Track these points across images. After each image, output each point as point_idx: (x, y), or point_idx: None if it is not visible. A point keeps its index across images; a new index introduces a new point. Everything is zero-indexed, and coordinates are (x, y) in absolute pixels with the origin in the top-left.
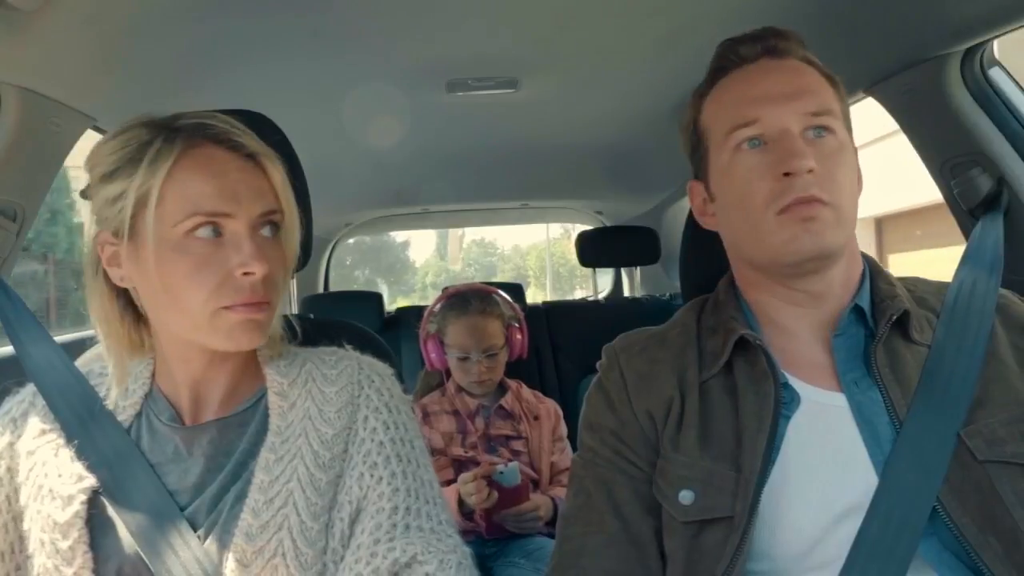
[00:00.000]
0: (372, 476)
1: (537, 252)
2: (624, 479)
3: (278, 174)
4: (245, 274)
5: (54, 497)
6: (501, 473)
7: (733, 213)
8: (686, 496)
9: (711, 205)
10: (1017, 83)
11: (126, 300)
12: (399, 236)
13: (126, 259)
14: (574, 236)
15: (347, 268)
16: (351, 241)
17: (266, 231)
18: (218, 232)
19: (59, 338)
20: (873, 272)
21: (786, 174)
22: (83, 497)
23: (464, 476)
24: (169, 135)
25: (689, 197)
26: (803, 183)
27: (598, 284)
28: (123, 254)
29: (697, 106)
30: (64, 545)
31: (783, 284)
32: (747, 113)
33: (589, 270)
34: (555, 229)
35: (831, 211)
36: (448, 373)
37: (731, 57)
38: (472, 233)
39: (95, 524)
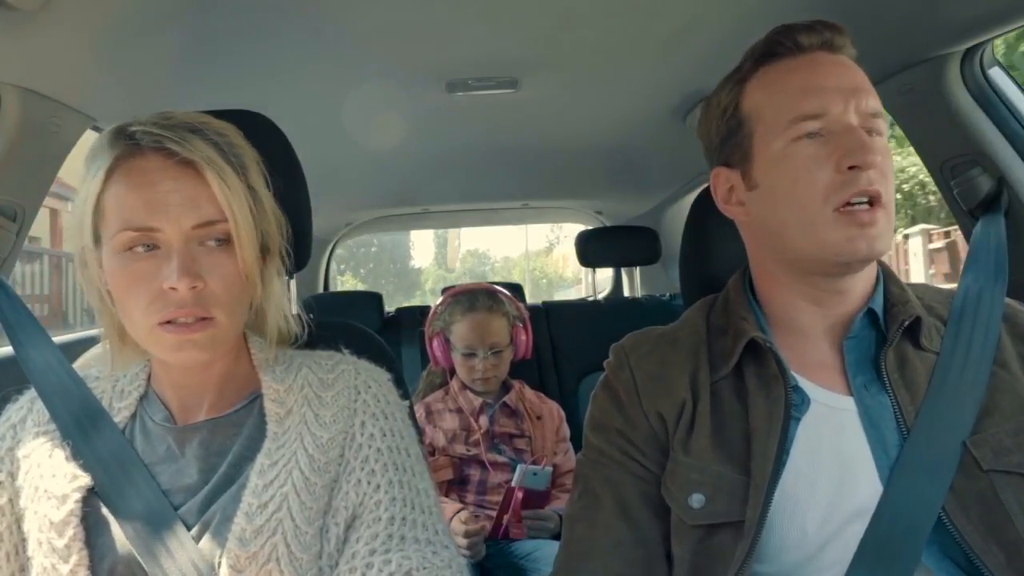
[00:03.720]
0: (370, 483)
1: (521, 265)
2: (632, 480)
3: (218, 181)
4: (172, 288)
5: (49, 497)
6: (535, 474)
7: (782, 203)
8: (696, 499)
9: (743, 194)
10: (1017, 83)
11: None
12: (415, 263)
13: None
14: (555, 251)
15: (380, 285)
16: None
17: (212, 242)
18: (154, 245)
19: (59, 339)
20: (886, 276)
21: (851, 167)
22: (77, 496)
23: (467, 516)
24: (113, 142)
25: (712, 184)
26: (867, 177)
27: (588, 290)
28: (98, 258)
29: (738, 90)
30: (60, 543)
31: (810, 282)
32: (812, 105)
33: (565, 281)
34: (539, 242)
35: (884, 214)
36: (452, 371)
37: (786, 43)
38: (467, 243)
39: (90, 523)
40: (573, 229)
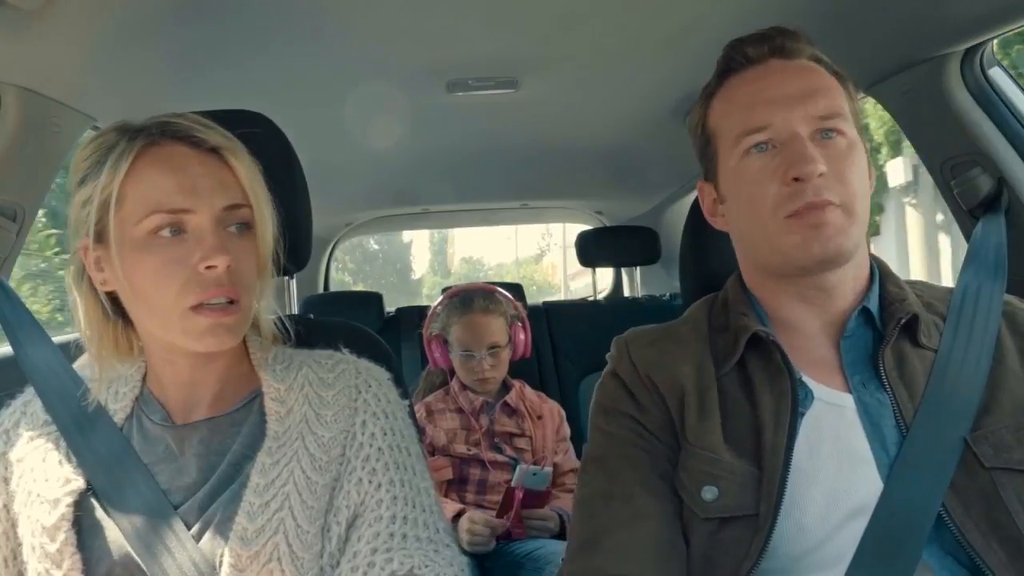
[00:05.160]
0: (371, 482)
1: (513, 272)
2: (647, 457)
3: (243, 167)
4: (208, 268)
5: (42, 501)
6: (534, 475)
7: (743, 216)
8: (709, 492)
9: (721, 206)
10: (1017, 83)
11: (115, 305)
12: (415, 273)
13: (104, 263)
14: (544, 259)
15: (382, 286)
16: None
17: (234, 227)
18: (181, 229)
19: (58, 339)
20: (882, 275)
21: (796, 179)
22: (69, 500)
23: (476, 518)
24: (132, 135)
25: (699, 197)
26: (814, 187)
27: (574, 292)
28: (100, 258)
29: (705, 106)
30: (52, 548)
31: (794, 281)
32: (756, 118)
33: (555, 288)
34: (530, 249)
35: (841, 213)
36: (452, 372)
37: (737, 58)
38: (462, 250)
39: (84, 526)
40: (563, 238)
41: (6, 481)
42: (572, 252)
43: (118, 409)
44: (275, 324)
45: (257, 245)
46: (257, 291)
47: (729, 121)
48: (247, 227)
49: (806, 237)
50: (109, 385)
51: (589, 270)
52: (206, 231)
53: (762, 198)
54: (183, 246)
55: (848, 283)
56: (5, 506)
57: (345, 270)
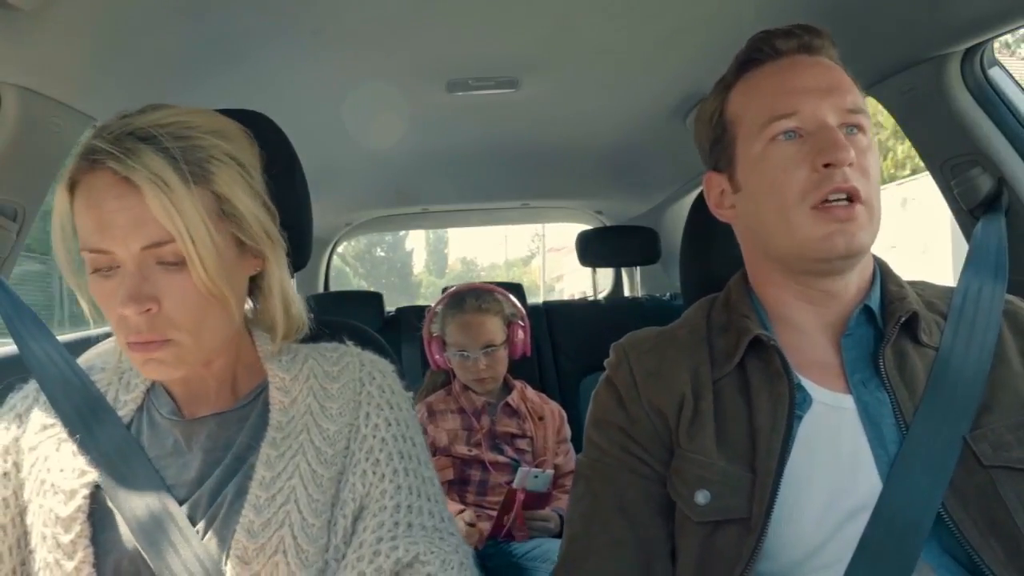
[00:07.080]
0: (375, 473)
1: (502, 274)
2: (633, 478)
3: (160, 199)
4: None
5: (56, 492)
6: (536, 477)
7: (763, 204)
8: (702, 496)
9: (731, 197)
10: (1017, 83)
11: None
12: (414, 275)
13: None
14: (532, 263)
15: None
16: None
17: (167, 261)
18: (114, 264)
19: (62, 337)
20: (883, 273)
21: (826, 165)
22: (86, 491)
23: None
24: (76, 156)
25: (705, 189)
26: (842, 174)
27: (557, 294)
28: None
29: (723, 96)
30: (66, 539)
31: (800, 280)
32: (786, 104)
33: (539, 288)
34: (521, 251)
35: (865, 209)
36: (454, 372)
37: (765, 49)
38: (456, 251)
39: (96, 519)
40: (552, 241)
41: (17, 467)
42: (552, 256)
43: (129, 400)
44: (301, 314)
45: (195, 279)
46: (215, 319)
47: (753, 108)
48: (182, 262)
49: (831, 231)
50: (121, 375)
51: (570, 273)
52: (125, 274)
53: (788, 185)
54: (115, 282)
55: (853, 284)
56: (15, 493)
57: (357, 275)
